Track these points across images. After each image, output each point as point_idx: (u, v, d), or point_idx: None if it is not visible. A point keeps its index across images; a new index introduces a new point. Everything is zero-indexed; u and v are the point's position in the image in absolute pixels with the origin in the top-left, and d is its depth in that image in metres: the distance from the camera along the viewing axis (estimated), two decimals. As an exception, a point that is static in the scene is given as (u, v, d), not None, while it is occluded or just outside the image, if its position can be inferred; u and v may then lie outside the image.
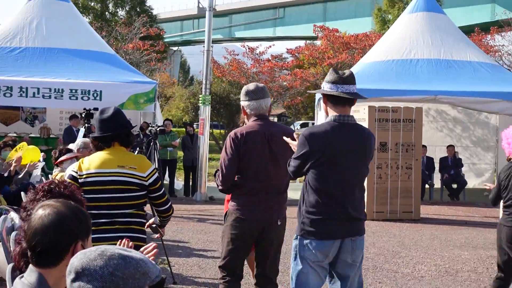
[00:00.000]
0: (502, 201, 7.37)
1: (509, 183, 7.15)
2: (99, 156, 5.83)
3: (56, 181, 4.16)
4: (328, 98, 5.83)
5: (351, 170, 5.73)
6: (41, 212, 3.12)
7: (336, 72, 5.81)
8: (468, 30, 35.90)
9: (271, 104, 6.57)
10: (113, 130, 5.77)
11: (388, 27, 29.89)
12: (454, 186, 20.64)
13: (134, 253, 2.56)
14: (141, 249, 4.14)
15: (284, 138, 6.14)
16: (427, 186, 20.26)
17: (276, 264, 6.72)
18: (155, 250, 4.11)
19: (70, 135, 17.98)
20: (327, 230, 5.65)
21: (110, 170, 5.69)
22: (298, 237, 5.77)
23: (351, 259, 5.77)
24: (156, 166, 17.20)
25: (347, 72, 5.85)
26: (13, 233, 5.94)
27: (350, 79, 5.75)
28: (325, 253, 5.68)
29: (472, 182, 22.52)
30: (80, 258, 2.53)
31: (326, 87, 5.82)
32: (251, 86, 6.54)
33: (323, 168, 5.65)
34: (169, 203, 6.05)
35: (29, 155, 11.38)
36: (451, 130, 23.46)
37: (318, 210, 5.66)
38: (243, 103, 6.52)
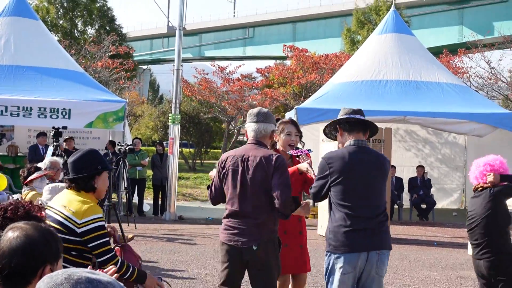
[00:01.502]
0: (467, 231, 7.33)
1: (475, 215, 7.15)
2: (62, 193, 5.95)
3: (13, 202, 4.07)
4: (343, 128, 6.37)
5: (371, 185, 6.10)
6: (10, 234, 3.07)
7: (345, 108, 6.57)
8: (436, 52, 36.19)
9: (273, 131, 6.50)
10: (71, 174, 5.79)
11: (357, 48, 30.04)
12: (423, 206, 20.71)
13: (101, 276, 2.52)
14: (105, 270, 4.10)
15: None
16: (396, 206, 20.30)
17: None
18: (115, 275, 4.08)
19: (35, 154, 17.85)
20: (353, 243, 5.91)
21: (56, 207, 5.70)
22: (327, 253, 6.06)
23: (376, 272, 6.00)
24: (125, 185, 17.19)
25: (355, 108, 6.54)
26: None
27: (360, 112, 6.45)
28: (353, 265, 5.91)
29: (441, 202, 22.64)
30: (46, 282, 2.48)
31: (342, 121, 6.41)
32: (254, 109, 6.59)
33: (344, 184, 6.06)
34: (108, 256, 5.59)
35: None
36: (419, 150, 23.59)
37: (343, 224, 5.95)
38: (246, 124, 6.63)
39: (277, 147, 7.45)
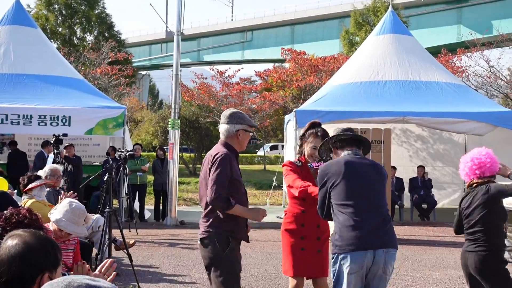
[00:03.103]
0: (465, 229, 7.30)
1: (473, 211, 7.12)
2: None
3: (14, 210, 4.10)
4: (336, 146, 6.47)
5: (371, 186, 6.13)
6: (9, 242, 3.09)
7: (336, 129, 6.59)
8: (435, 51, 36.22)
9: (238, 130, 6.67)
10: None
11: (356, 49, 30.08)
12: (424, 206, 20.68)
13: (102, 283, 2.53)
14: (99, 267, 4.12)
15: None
16: (397, 206, 20.27)
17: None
18: (113, 264, 4.11)
19: (42, 161, 17.89)
20: (359, 241, 5.89)
21: None
22: (334, 255, 6.04)
23: (383, 271, 6.01)
24: (126, 191, 17.20)
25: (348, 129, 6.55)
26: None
27: (350, 131, 6.47)
28: (359, 264, 5.90)
29: (442, 202, 22.64)
30: None
31: (333, 139, 6.50)
32: (226, 111, 6.85)
33: (344, 185, 6.06)
34: None
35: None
36: (419, 150, 23.59)
37: (348, 224, 5.95)
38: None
39: (305, 154, 7.61)
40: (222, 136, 6.71)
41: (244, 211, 6.51)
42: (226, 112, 6.74)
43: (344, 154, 6.30)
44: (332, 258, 6.07)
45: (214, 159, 6.40)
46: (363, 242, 5.87)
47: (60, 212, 7.38)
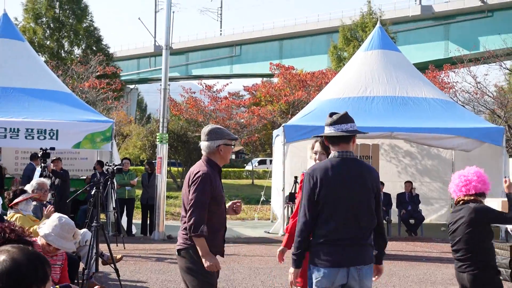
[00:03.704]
0: (451, 245, 7.32)
1: (457, 229, 7.14)
2: None
3: (1, 226, 4.07)
4: (327, 140, 6.31)
5: (354, 200, 5.97)
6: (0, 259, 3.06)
7: (330, 115, 6.37)
8: (422, 67, 36.42)
9: (219, 145, 6.73)
10: None
11: (344, 65, 30.17)
12: (412, 221, 20.70)
13: None
14: None
15: None
16: (384, 222, 20.28)
17: None
18: None
19: (32, 172, 17.80)
20: (331, 258, 5.87)
21: None
22: (309, 266, 6.05)
23: (361, 287, 5.94)
24: (114, 205, 17.15)
25: (341, 113, 6.35)
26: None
27: (343, 120, 6.26)
28: (331, 280, 5.88)
29: (429, 217, 22.68)
30: None
31: (325, 130, 6.33)
32: (205, 128, 6.93)
33: (326, 200, 5.94)
34: None
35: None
36: (407, 166, 23.64)
37: (323, 240, 5.91)
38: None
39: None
40: (204, 153, 6.78)
41: (203, 249, 6.43)
42: (205, 129, 6.83)
43: (334, 154, 6.17)
44: (308, 268, 6.08)
45: (194, 178, 6.50)
46: (336, 259, 5.87)
47: (49, 227, 7.35)
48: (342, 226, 5.90)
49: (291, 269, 6.08)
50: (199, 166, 6.65)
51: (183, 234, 6.61)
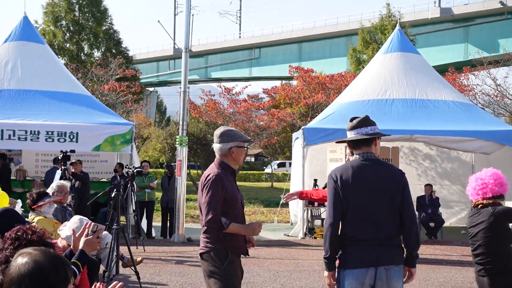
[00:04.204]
0: (471, 249, 7.29)
1: (477, 234, 7.10)
2: None
3: (23, 228, 4.10)
4: (349, 144, 6.40)
5: (376, 200, 5.98)
6: (20, 260, 3.08)
7: (351, 120, 6.45)
8: (442, 70, 36.29)
9: (231, 148, 6.73)
10: None
11: (363, 67, 30.11)
12: (432, 224, 20.62)
13: None
14: (110, 287, 4.11)
15: None
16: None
17: None
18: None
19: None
20: (359, 259, 5.89)
21: None
22: (338, 270, 6.05)
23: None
24: (134, 208, 17.18)
25: (361, 117, 6.46)
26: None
27: (363, 123, 6.36)
28: (360, 281, 5.88)
29: (449, 220, 22.58)
30: None
31: (347, 135, 6.40)
32: (217, 131, 6.93)
33: (351, 200, 6.00)
34: None
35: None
36: (427, 169, 23.56)
37: (350, 240, 5.96)
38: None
39: None
40: (216, 155, 6.81)
41: (240, 228, 6.61)
42: (217, 131, 6.84)
43: (356, 157, 6.23)
44: (337, 272, 6.07)
45: (205, 181, 6.56)
46: (364, 259, 5.88)
47: (70, 229, 7.38)
48: (366, 226, 5.92)
49: (325, 273, 6.09)
50: (210, 169, 6.71)
51: (204, 237, 6.65)
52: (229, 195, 6.55)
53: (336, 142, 7.33)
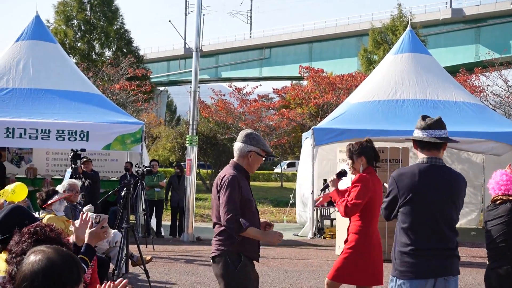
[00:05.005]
0: (486, 244, 7.29)
1: (493, 228, 7.09)
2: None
3: (42, 224, 4.13)
4: (417, 143, 6.14)
5: (441, 209, 5.79)
6: (32, 258, 3.10)
7: (423, 118, 6.18)
8: (453, 70, 36.14)
9: (250, 151, 6.68)
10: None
11: (374, 68, 30.04)
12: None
13: None
14: (116, 283, 4.13)
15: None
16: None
17: None
18: (128, 286, 4.14)
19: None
20: (419, 269, 5.71)
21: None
22: (393, 278, 5.86)
23: None
24: (143, 207, 17.22)
25: (435, 118, 6.15)
26: (-1, 278, 5.91)
27: (436, 125, 6.05)
28: None
29: (459, 221, 22.47)
30: None
31: (415, 133, 6.17)
32: (243, 131, 6.92)
33: (412, 207, 5.79)
34: None
35: (16, 196, 11.17)
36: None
37: (410, 249, 5.75)
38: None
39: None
40: (235, 155, 6.76)
41: (258, 234, 6.53)
42: (244, 132, 6.80)
43: (423, 160, 5.99)
44: (391, 279, 5.91)
45: (222, 182, 6.48)
46: (424, 270, 5.70)
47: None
48: (429, 234, 5.75)
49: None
50: (225, 171, 6.65)
51: (217, 240, 6.57)
52: (244, 197, 6.50)
53: (405, 139, 6.86)
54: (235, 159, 6.73)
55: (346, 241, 8.10)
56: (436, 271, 5.71)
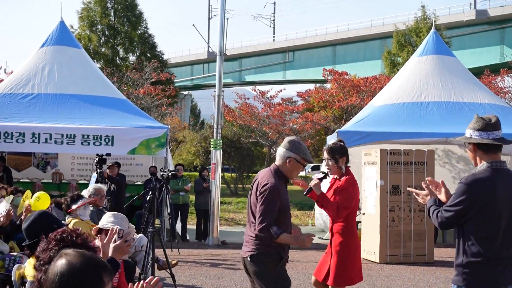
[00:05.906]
0: None
1: None
2: (28, 264, 6.15)
3: (68, 230, 4.16)
4: (478, 146, 5.79)
5: (510, 215, 5.57)
6: (59, 261, 3.13)
7: (483, 119, 5.83)
8: (477, 72, 35.97)
9: (288, 157, 6.78)
10: (28, 240, 5.82)
11: (398, 70, 29.93)
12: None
13: None
14: (147, 281, 4.17)
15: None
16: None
17: None
18: (159, 283, 4.19)
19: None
20: (491, 280, 5.50)
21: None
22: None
23: None
24: (169, 211, 17.27)
25: (493, 118, 5.85)
26: (28, 283, 5.96)
27: (499, 125, 5.78)
28: None
29: None
30: None
31: (474, 135, 5.85)
32: (289, 137, 7.12)
33: (486, 215, 5.51)
34: None
35: (40, 204, 11.24)
36: (461, 171, 23.36)
37: (482, 259, 5.49)
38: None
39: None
40: (276, 159, 6.89)
41: (290, 239, 6.66)
42: (288, 138, 6.93)
43: (487, 165, 5.67)
44: None
45: (263, 190, 6.54)
46: (496, 280, 5.49)
47: (104, 220, 7.59)
48: (502, 243, 5.52)
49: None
50: (267, 177, 6.69)
51: (254, 239, 6.61)
52: (283, 205, 6.63)
53: (468, 142, 6.11)
54: (276, 162, 6.85)
55: (331, 242, 8.27)
56: (506, 282, 5.53)
